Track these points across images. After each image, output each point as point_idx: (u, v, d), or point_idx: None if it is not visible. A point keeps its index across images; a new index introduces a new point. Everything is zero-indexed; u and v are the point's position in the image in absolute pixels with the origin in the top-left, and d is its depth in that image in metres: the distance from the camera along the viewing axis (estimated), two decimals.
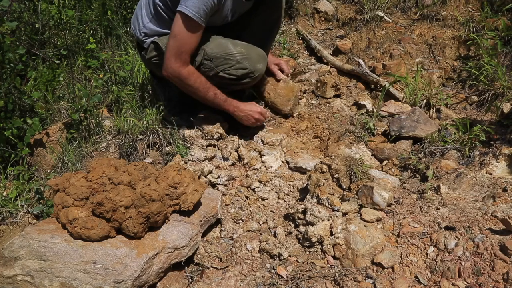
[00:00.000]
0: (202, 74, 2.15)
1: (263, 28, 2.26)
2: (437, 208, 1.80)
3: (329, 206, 1.80)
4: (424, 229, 1.69)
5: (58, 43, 3.18)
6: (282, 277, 1.66)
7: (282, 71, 2.52)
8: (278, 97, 2.47)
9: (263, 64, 2.21)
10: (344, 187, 1.89)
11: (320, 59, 3.22)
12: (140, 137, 2.19)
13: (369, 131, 2.39)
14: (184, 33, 1.97)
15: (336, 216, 1.77)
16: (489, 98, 2.53)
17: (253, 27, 2.25)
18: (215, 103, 2.18)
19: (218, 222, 1.90)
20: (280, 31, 3.48)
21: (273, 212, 1.98)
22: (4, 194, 2.07)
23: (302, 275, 1.65)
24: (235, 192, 2.06)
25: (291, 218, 1.88)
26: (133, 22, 2.31)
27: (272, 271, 1.71)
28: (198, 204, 1.78)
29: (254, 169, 2.19)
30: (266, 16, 2.23)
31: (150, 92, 2.63)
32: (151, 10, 2.18)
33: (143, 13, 2.22)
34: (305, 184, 2.06)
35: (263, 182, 2.11)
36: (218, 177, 2.08)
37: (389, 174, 2.08)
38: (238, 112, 2.22)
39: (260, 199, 2.05)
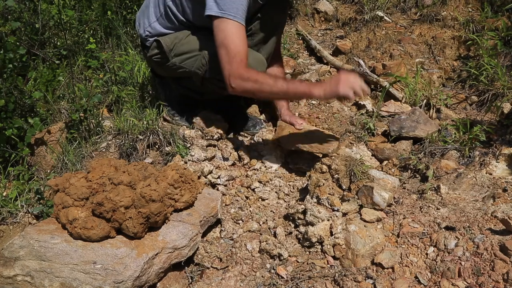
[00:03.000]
0: (200, 76, 2.13)
1: (263, 31, 2.21)
2: (437, 208, 1.80)
3: (329, 206, 1.80)
4: (424, 229, 1.69)
5: (58, 43, 3.18)
6: (282, 277, 1.66)
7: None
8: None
9: (261, 69, 2.12)
10: (344, 187, 1.89)
11: (320, 59, 3.22)
12: (140, 137, 2.19)
13: (369, 131, 2.39)
14: (233, 38, 1.87)
15: (336, 216, 1.77)
16: (489, 98, 2.54)
17: (253, 30, 2.22)
18: (290, 91, 1.89)
19: (218, 222, 1.90)
20: None
21: (273, 212, 1.98)
22: (4, 194, 2.07)
23: (302, 275, 1.65)
24: (235, 192, 2.06)
25: (291, 218, 1.88)
26: (138, 18, 2.28)
27: (272, 271, 1.71)
28: (197, 204, 1.78)
29: (254, 169, 2.19)
30: (267, 18, 2.20)
31: (150, 92, 2.63)
32: (160, 10, 2.15)
33: (151, 11, 2.19)
34: (305, 184, 2.06)
35: (263, 182, 2.11)
36: (218, 177, 2.08)
37: (389, 174, 2.08)
38: (322, 89, 1.86)
39: (260, 199, 2.05)
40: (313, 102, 2.72)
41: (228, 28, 1.87)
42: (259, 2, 2.03)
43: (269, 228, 1.89)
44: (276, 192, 2.09)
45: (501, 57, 2.72)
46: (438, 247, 1.58)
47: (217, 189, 2.06)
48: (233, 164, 2.21)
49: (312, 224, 1.75)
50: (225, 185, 2.09)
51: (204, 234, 1.83)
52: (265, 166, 2.21)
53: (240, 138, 2.37)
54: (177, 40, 2.15)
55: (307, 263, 1.71)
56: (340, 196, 1.85)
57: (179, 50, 2.14)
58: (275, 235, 1.83)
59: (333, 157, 1.97)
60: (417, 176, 2.08)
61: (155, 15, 2.18)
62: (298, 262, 1.73)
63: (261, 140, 2.33)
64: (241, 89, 1.92)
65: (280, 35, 2.35)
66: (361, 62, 2.90)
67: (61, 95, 2.73)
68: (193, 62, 2.12)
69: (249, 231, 1.89)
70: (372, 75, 2.78)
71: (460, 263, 1.48)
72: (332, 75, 1.90)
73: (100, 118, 2.34)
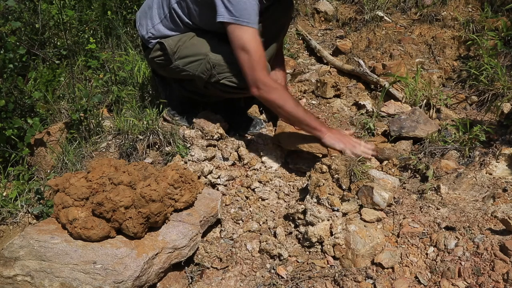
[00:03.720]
0: (203, 81, 2.11)
1: (268, 33, 2.18)
2: (437, 208, 1.80)
3: (329, 206, 1.80)
4: (424, 229, 1.69)
5: (58, 43, 3.18)
6: (282, 277, 1.66)
7: None
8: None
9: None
10: (344, 187, 1.89)
11: (320, 59, 3.23)
12: (140, 137, 2.19)
13: (369, 131, 2.39)
14: (251, 43, 1.89)
15: (336, 216, 1.77)
16: (489, 98, 2.54)
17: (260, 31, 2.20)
18: (304, 120, 2.00)
19: (218, 222, 1.90)
20: None
21: (273, 212, 1.98)
22: (4, 194, 2.07)
23: (302, 275, 1.65)
24: (235, 192, 2.06)
25: (291, 218, 1.88)
26: (140, 19, 2.25)
27: (272, 271, 1.71)
28: (197, 204, 1.78)
29: (254, 169, 2.19)
30: (273, 20, 2.17)
31: (150, 92, 2.63)
32: (164, 11, 2.13)
33: (154, 13, 2.16)
34: (305, 184, 2.06)
35: (263, 182, 2.11)
36: (218, 177, 2.08)
37: (389, 174, 2.08)
38: (330, 134, 2.02)
39: (260, 199, 2.05)
40: (313, 102, 2.72)
41: (245, 34, 1.88)
42: (264, 2, 2.02)
43: (269, 228, 1.89)
44: (276, 192, 2.09)
45: (501, 57, 2.72)
46: (438, 247, 1.58)
47: (217, 189, 2.06)
48: (233, 164, 2.21)
49: (312, 224, 1.75)
50: (225, 185, 2.09)
51: (204, 234, 1.83)
52: (265, 166, 2.21)
53: (240, 138, 2.37)
54: (181, 42, 2.12)
55: (307, 263, 1.71)
56: (340, 196, 1.85)
57: (183, 53, 2.11)
58: (275, 235, 1.83)
59: (333, 157, 1.97)
60: (417, 176, 2.08)
61: (158, 16, 2.15)
62: (298, 262, 1.73)
63: (261, 140, 2.33)
64: (266, 97, 1.97)
65: (283, 36, 2.34)
66: (361, 62, 2.90)
67: (61, 95, 2.73)
68: (197, 66, 2.10)
69: (249, 231, 1.89)
70: (372, 75, 2.78)
71: (460, 263, 1.48)
72: (343, 132, 2.09)
73: (100, 118, 2.34)
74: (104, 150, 2.22)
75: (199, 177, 1.99)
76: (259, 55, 1.91)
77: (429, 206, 1.82)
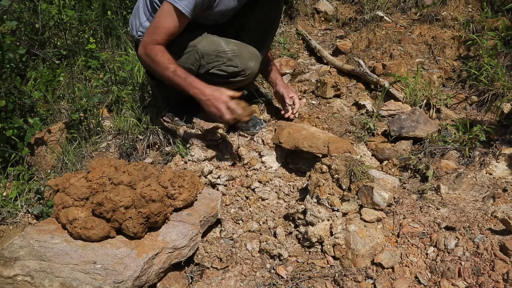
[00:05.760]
0: (194, 72, 2.12)
1: (260, 28, 2.23)
2: (437, 208, 1.80)
3: (329, 206, 1.80)
4: (424, 229, 1.69)
5: (58, 43, 3.18)
6: (282, 277, 1.66)
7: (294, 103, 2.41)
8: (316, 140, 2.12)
9: (255, 62, 2.15)
10: (344, 187, 1.89)
11: (320, 59, 3.22)
12: (140, 137, 2.19)
13: (369, 131, 2.39)
14: (168, 17, 1.97)
15: (336, 216, 1.77)
16: (489, 98, 2.54)
17: (250, 27, 2.23)
18: (175, 82, 1.99)
19: (218, 222, 1.90)
20: (280, 31, 3.48)
21: (273, 212, 1.98)
22: (4, 194, 2.07)
23: (302, 275, 1.64)
24: (235, 192, 2.06)
25: (291, 218, 1.88)
26: (131, 21, 2.30)
27: (272, 271, 1.71)
28: (197, 205, 1.78)
29: (254, 169, 2.19)
30: (263, 15, 2.21)
31: (150, 92, 2.63)
32: (149, 9, 2.18)
33: (141, 12, 2.22)
34: (305, 184, 2.06)
35: (263, 182, 2.11)
36: (218, 177, 2.08)
37: (389, 174, 2.07)
38: (199, 95, 1.96)
39: (260, 199, 2.05)
40: (313, 102, 2.72)
41: (170, 11, 1.95)
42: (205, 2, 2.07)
43: (269, 228, 1.89)
44: (276, 192, 2.09)
45: (501, 57, 2.72)
46: (438, 247, 1.58)
47: (217, 189, 2.06)
48: (233, 164, 2.21)
49: (312, 224, 1.75)
50: (225, 185, 2.09)
51: (204, 234, 1.83)
52: (265, 166, 2.21)
53: (240, 138, 2.37)
54: None
55: (307, 263, 1.71)
56: (340, 196, 1.85)
57: (171, 47, 2.13)
58: (275, 235, 1.83)
59: (333, 157, 1.97)
60: (417, 176, 2.08)
61: (145, 14, 2.20)
62: (298, 262, 1.73)
63: (261, 140, 2.33)
64: (142, 60, 2.07)
65: (275, 32, 2.37)
66: (361, 62, 2.90)
67: (61, 95, 2.73)
68: (187, 58, 2.12)
69: (249, 231, 1.89)
70: (372, 75, 2.78)
71: (460, 263, 1.48)
72: (210, 93, 1.96)
73: (100, 118, 2.35)
74: (104, 150, 2.22)
75: (199, 177, 1.99)
76: (165, 30, 1.98)
77: (429, 206, 1.82)
